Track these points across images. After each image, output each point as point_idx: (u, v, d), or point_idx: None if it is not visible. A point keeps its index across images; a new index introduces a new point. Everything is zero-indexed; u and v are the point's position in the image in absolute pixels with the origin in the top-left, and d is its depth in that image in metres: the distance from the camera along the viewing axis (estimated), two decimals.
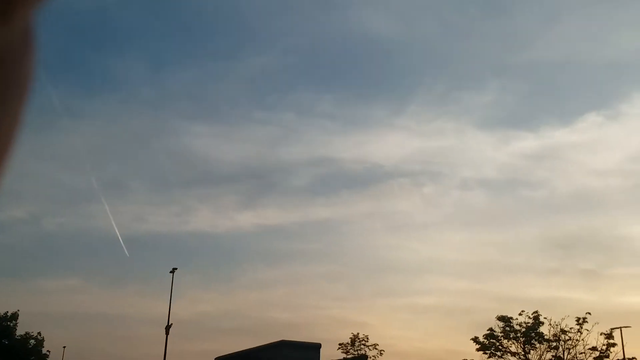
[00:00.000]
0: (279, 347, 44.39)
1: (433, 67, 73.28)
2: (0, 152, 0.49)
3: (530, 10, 68.81)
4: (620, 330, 37.20)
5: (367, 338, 40.17)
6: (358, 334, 40.30)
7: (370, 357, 40.98)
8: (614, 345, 32.24)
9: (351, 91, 76.45)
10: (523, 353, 32.53)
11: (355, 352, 40.31)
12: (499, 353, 32.72)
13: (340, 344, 40.17)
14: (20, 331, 46.71)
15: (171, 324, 41.38)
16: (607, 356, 31.81)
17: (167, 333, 41.17)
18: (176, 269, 43.57)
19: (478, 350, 32.85)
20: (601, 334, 32.07)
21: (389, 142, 71.82)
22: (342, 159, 71.31)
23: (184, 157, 73.16)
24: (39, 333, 47.39)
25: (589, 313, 32.30)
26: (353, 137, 73.50)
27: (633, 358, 33.57)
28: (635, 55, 66.59)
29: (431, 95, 71.32)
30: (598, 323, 32.66)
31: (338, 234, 73.35)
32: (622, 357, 32.94)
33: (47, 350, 47.65)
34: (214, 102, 75.39)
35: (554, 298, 56.63)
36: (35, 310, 73.14)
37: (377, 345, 40.08)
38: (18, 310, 46.72)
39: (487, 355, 32.73)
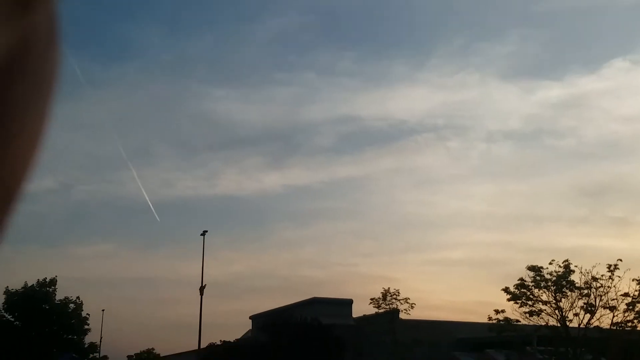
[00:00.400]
0: (311, 304, 45.15)
1: (453, 19, 72.09)
2: (31, 142, 0.49)
3: None
4: None
5: (399, 292, 40.58)
6: (389, 288, 40.72)
7: (402, 311, 41.45)
8: None
9: (371, 48, 75.64)
10: (554, 301, 32.62)
11: (387, 307, 40.76)
12: (530, 302, 32.85)
13: (371, 299, 40.64)
14: (59, 296, 48.12)
15: (205, 284, 42.26)
16: None
17: (201, 294, 42.09)
18: (207, 231, 44.26)
19: (509, 300, 33.04)
20: (633, 280, 31.98)
21: (412, 98, 71.42)
22: (365, 117, 71.19)
23: (207, 122, 73.72)
24: (78, 297, 48.76)
25: (620, 260, 32.16)
26: (375, 94, 73.13)
27: None
28: None
29: (452, 47, 70.33)
30: (630, 269, 32.56)
31: (364, 192, 73.75)
32: None
33: (87, 314, 49.07)
34: (234, 66, 75.47)
35: (584, 247, 56.61)
36: (72, 276, 75.36)
37: (409, 299, 40.49)
38: (56, 276, 48.06)
39: (518, 305, 32.91)
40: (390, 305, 40.79)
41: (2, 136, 0.43)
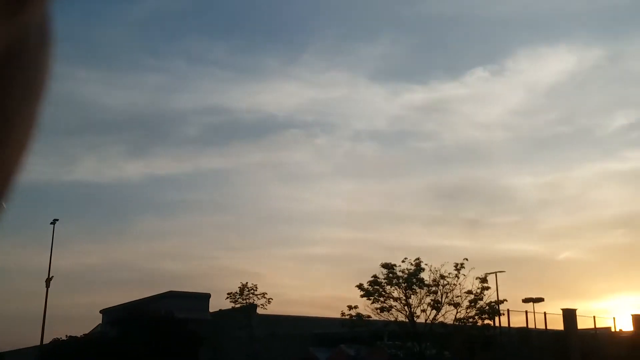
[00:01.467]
0: (166, 298, 43.92)
1: (327, 16, 72.95)
2: (17, 149, 0.47)
3: None
4: (496, 275, 39.61)
5: (256, 287, 40.47)
6: (247, 283, 40.53)
7: (259, 306, 41.38)
8: (487, 288, 34.21)
9: (244, 39, 74.83)
10: (404, 298, 33.86)
11: (244, 301, 40.54)
12: (382, 299, 33.87)
13: (228, 294, 40.24)
14: None
15: (52, 276, 39.82)
16: (481, 298, 33.74)
17: (47, 286, 39.61)
18: (57, 220, 41.75)
19: (362, 296, 33.87)
20: (476, 279, 33.92)
21: (283, 92, 71.45)
22: (235, 109, 70.42)
23: (67, 104, 69.48)
24: None
25: (466, 259, 34.01)
26: (246, 86, 72.47)
27: (504, 300, 35.92)
28: (520, 12, 69.27)
29: (324, 44, 71.23)
30: (474, 268, 34.51)
31: (230, 185, 72.92)
32: (494, 299, 35.10)
33: None
34: (101, 47, 71.76)
35: (438, 246, 59.41)
36: None
37: (266, 294, 40.49)
38: None
39: (370, 301, 33.82)
40: (248, 300, 40.62)
41: None
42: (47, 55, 0.51)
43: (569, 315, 43.00)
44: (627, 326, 47.01)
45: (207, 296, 46.45)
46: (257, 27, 74.50)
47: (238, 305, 40.60)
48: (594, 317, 46.04)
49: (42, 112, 0.49)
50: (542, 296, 43.90)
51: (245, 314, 40.52)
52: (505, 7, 69.26)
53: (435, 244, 62.21)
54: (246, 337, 40.66)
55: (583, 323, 44.89)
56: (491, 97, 71.38)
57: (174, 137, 73.37)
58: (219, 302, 54.81)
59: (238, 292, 40.15)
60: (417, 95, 69.54)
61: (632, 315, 46.66)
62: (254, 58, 72.02)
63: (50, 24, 0.51)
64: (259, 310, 41.87)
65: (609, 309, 65.15)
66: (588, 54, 67.74)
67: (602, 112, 72.13)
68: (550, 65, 69.72)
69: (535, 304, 43.44)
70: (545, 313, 43.51)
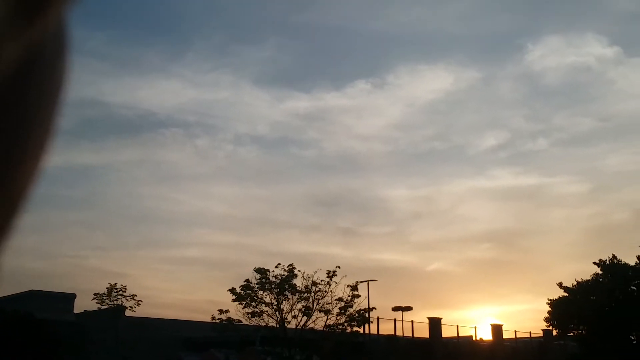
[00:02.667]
0: (27, 298, 41.42)
1: (214, 16, 71.88)
2: (34, 155, 0.47)
3: None
4: (367, 283, 40.55)
5: (125, 288, 39.06)
6: (115, 284, 39.02)
7: (128, 308, 39.98)
8: (358, 296, 34.94)
9: (126, 31, 72.08)
10: (276, 303, 33.92)
11: (112, 303, 39.02)
12: (253, 303, 33.73)
13: (95, 294, 38.60)
14: None
15: None
16: (351, 306, 34.41)
17: None
18: None
19: (234, 301, 33.58)
20: (348, 286, 34.56)
21: (164, 90, 69.49)
22: (112, 103, 67.83)
23: None
24: None
25: (339, 267, 34.61)
26: (124, 80, 69.87)
27: (373, 308, 36.89)
28: (403, 28, 71.63)
29: (210, 44, 70.14)
30: (346, 276, 35.19)
31: (102, 181, 69.80)
32: (365, 307, 35.93)
33: None
34: None
35: (314, 253, 60.08)
36: None
37: (135, 296, 39.20)
38: None
39: (242, 306, 33.60)
40: (116, 302, 39.15)
41: (8, 147, 0.42)
42: (64, 62, 0.51)
43: (435, 324, 44.84)
44: (486, 335, 49.72)
45: (72, 296, 44.21)
46: (141, 19, 72.13)
47: (105, 307, 39.01)
48: (457, 326, 48.32)
49: (58, 118, 0.49)
50: (411, 305, 45.57)
51: (112, 316, 39.01)
52: (390, 23, 71.48)
53: (311, 251, 62.91)
54: (112, 340, 39.14)
55: (447, 331, 47.02)
56: (372, 110, 73.12)
57: None
58: (85, 303, 52.50)
59: (105, 293, 38.60)
60: (300, 102, 70.06)
61: (491, 325, 49.42)
62: (135, 52, 69.60)
63: (67, 31, 0.52)
64: (128, 313, 40.46)
65: (471, 319, 68.43)
66: (464, 75, 71.21)
67: (474, 131, 76.04)
68: (429, 83, 72.73)
69: (404, 312, 44.99)
70: (412, 321, 45.17)
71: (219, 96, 71.88)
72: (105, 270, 68.35)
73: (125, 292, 38.85)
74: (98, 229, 70.01)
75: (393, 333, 44.18)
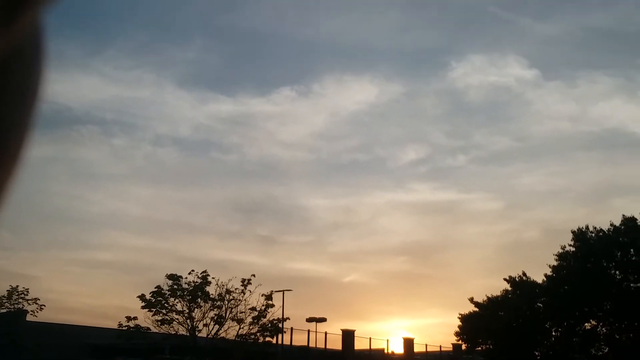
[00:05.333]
0: None
1: (139, 12, 70.01)
2: (9, 158, 0.47)
3: None
4: (283, 293, 40.18)
5: (27, 291, 37.14)
6: (17, 286, 37.02)
7: (30, 312, 38.01)
8: (272, 306, 34.49)
9: (45, 22, 69.35)
10: (188, 311, 33.00)
11: (12, 307, 36.96)
12: (164, 311, 32.70)
13: None
14: None
15: None
16: (265, 316, 33.90)
17: None
18: None
19: (143, 307, 32.44)
20: (262, 295, 34.06)
21: (82, 85, 66.92)
22: None
23: None
24: None
25: (254, 275, 34.07)
26: None
27: (287, 318, 36.49)
28: (331, 37, 72.09)
29: (133, 41, 68.20)
30: (261, 285, 34.65)
31: None
32: (279, 317, 35.48)
33: None
34: None
35: (231, 260, 59.13)
36: None
37: (39, 299, 37.33)
38: None
39: (151, 313, 32.49)
40: (16, 305, 37.11)
41: None
42: (41, 65, 0.51)
43: (348, 336, 44.88)
44: (398, 348, 50.23)
45: None
46: (61, 9, 69.45)
47: (4, 311, 36.91)
48: (370, 338, 48.57)
49: (35, 120, 0.48)
50: (326, 316, 45.49)
51: (12, 321, 36.91)
52: (317, 32, 71.84)
53: (228, 258, 61.87)
54: (11, 345, 37.01)
55: (360, 344, 47.14)
56: (296, 118, 73.10)
57: None
58: None
59: (5, 295, 36.53)
60: (224, 106, 69.15)
61: (403, 338, 50.00)
62: (53, 43, 66.79)
63: (43, 34, 0.51)
64: (29, 317, 38.43)
65: (385, 331, 69.16)
66: (389, 88, 72.32)
67: (396, 145, 77.23)
68: (354, 94, 73.44)
69: (318, 323, 44.82)
70: (326, 333, 45.08)
71: (139, 95, 69.95)
72: (8, 272, 64.60)
73: (27, 295, 36.95)
74: (3, 227, 66.40)
75: (306, 344, 43.93)
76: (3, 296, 36.66)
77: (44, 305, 37.56)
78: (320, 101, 70.90)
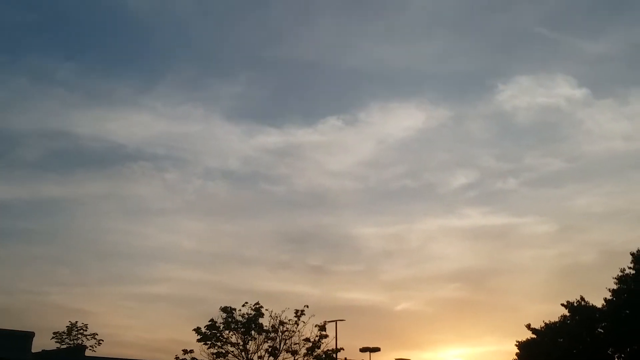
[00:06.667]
0: None
1: (186, 49, 71.87)
2: None
3: (286, 5, 71.17)
4: (336, 323, 39.94)
5: (86, 327, 37.84)
6: (76, 322, 37.78)
7: (89, 347, 38.67)
8: (326, 336, 34.34)
9: (97, 62, 71.58)
10: (242, 344, 33.15)
11: (72, 342, 37.70)
12: (219, 343, 32.92)
13: (54, 333, 37.24)
14: None
15: None
16: (319, 347, 33.76)
17: None
18: None
19: (199, 341, 32.72)
20: (316, 326, 33.97)
21: (133, 122, 69.00)
22: (80, 135, 67.20)
23: None
24: None
25: (307, 306, 34.06)
26: (94, 112, 69.31)
27: (341, 348, 36.17)
28: (375, 65, 72.51)
29: (181, 78, 70.10)
30: (314, 315, 34.55)
31: (68, 215, 68.43)
32: (333, 347, 35.25)
33: None
34: None
35: (282, 291, 59.33)
36: None
37: (97, 334, 37.98)
38: None
39: (207, 346, 32.73)
40: (76, 341, 37.82)
41: None
42: None
43: None
44: None
45: (29, 335, 42.46)
46: (112, 50, 72.05)
47: (64, 346, 37.64)
48: None
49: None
50: (379, 346, 44.94)
51: (72, 356, 37.62)
52: (361, 60, 72.49)
53: (279, 289, 62.12)
54: None
55: None
56: (343, 147, 73.65)
57: (8, 159, 68.24)
58: (43, 342, 50.60)
59: (65, 331, 37.28)
60: (271, 138, 70.22)
61: None
62: (105, 83, 69.26)
63: None
64: (88, 352, 39.06)
65: None
66: (435, 113, 72.30)
67: (445, 170, 76.87)
68: (400, 120, 73.65)
69: (371, 353, 44.35)
70: None
71: (189, 129, 71.61)
72: (67, 307, 66.24)
73: (86, 330, 37.64)
74: (61, 263, 68.32)
75: None
76: (63, 332, 37.39)
77: (102, 340, 38.18)
78: (367, 129, 71.30)
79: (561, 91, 71.88)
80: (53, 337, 37.56)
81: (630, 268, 39.94)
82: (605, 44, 71.07)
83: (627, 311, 38.49)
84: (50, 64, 67.58)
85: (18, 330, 42.75)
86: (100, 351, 38.91)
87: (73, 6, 68.61)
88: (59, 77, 66.74)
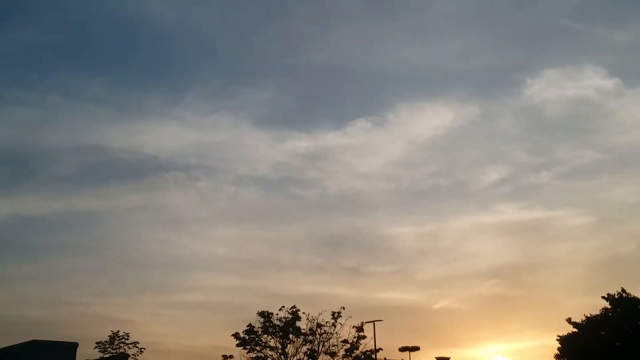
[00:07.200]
0: (29, 348, 40.80)
1: (212, 60, 72.58)
2: None
3: (307, 13, 71.47)
4: (373, 323, 39.93)
5: (128, 336, 38.44)
6: (118, 331, 38.41)
7: (131, 356, 39.30)
8: (364, 337, 34.36)
9: (125, 77, 72.79)
10: (281, 347, 33.36)
11: (114, 351, 38.35)
12: (258, 348, 33.19)
13: (97, 343, 37.92)
14: None
15: None
16: (357, 348, 33.80)
17: None
18: None
19: (238, 345, 33.05)
20: (353, 327, 34.02)
21: (164, 133, 69.91)
22: (112, 148, 68.30)
23: None
24: None
25: (343, 308, 34.13)
26: (125, 126, 70.45)
27: (380, 349, 36.11)
28: (401, 66, 72.27)
29: (209, 87, 70.83)
30: (351, 317, 34.61)
31: (104, 227, 69.63)
32: (372, 348, 35.23)
33: None
34: None
35: (318, 294, 59.47)
36: None
37: (138, 343, 38.55)
38: None
39: (246, 351, 33.04)
40: (118, 350, 38.47)
41: None
42: None
43: None
44: None
45: (74, 345, 43.50)
46: (139, 65, 73.15)
47: (107, 356, 38.31)
48: None
49: None
50: (418, 345, 44.67)
51: None
52: (387, 62, 72.32)
53: (315, 292, 62.30)
54: None
55: None
56: (373, 148, 73.53)
57: (44, 175, 69.76)
58: (87, 352, 51.58)
59: (108, 341, 37.95)
60: (300, 142, 70.47)
61: None
62: (135, 97, 70.39)
63: None
64: None
65: (480, 357, 67.21)
66: (464, 111, 71.73)
67: (476, 167, 76.19)
68: (429, 119, 73.25)
69: (411, 352, 44.13)
70: None
71: (219, 138, 72.27)
72: (107, 317, 67.42)
73: (128, 339, 38.23)
74: (100, 275, 69.54)
75: None
76: (105, 341, 38.03)
77: (144, 349, 38.71)
78: (396, 130, 71.13)
79: (591, 82, 70.89)
80: (96, 347, 38.26)
81: None
82: (633, 32, 69.87)
83: None
84: (80, 81, 68.96)
85: (62, 342, 43.85)
86: (142, 359, 39.55)
87: (98, 24, 70.10)
88: (89, 93, 68.21)
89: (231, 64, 73.23)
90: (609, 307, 41.49)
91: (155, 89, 72.37)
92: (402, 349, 44.04)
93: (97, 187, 71.91)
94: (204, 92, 70.39)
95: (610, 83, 70.97)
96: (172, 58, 72.70)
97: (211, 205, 70.02)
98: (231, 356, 33.09)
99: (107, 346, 38.15)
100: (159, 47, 71.14)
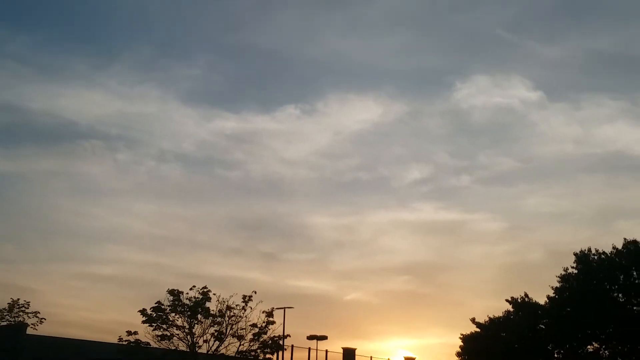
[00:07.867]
0: None
1: (146, 29, 70.51)
2: None
3: None
4: (284, 310, 40.09)
5: (29, 304, 37.00)
6: (18, 299, 36.90)
7: (30, 326, 37.86)
8: (273, 323, 34.32)
9: (52, 37, 69.70)
10: (188, 327, 32.86)
11: (13, 319, 36.85)
12: (164, 326, 32.56)
13: None
14: None
15: None
16: (265, 332, 33.75)
17: None
18: None
19: (144, 322, 32.30)
20: (263, 312, 33.92)
21: (86, 99, 67.51)
22: (31, 109, 65.47)
23: None
24: None
25: (255, 292, 33.94)
26: (46, 87, 67.59)
27: (287, 335, 36.33)
28: (335, 57, 72.47)
29: (139, 57, 68.84)
30: (262, 302, 34.49)
31: (15, 190, 66.80)
32: (280, 334, 35.28)
33: None
34: None
35: (233, 277, 59.15)
36: None
37: (39, 313, 37.16)
38: None
39: (152, 328, 32.34)
40: (17, 319, 36.97)
41: None
42: None
43: (349, 354, 44.66)
44: None
45: None
46: (68, 26, 70.27)
47: (4, 323, 36.78)
48: (371, 357, 48.25)
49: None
50: (326, 334, 45.16)
51: (12, 333, 36.76)
52: (322, 51, 72.38)
53: (230, 274, 61.94)
54: (11, 358, 36.87)
55: None
56: (299, 135, 73.61)
57: None
58: None
59: (7, 308, 36.42)
60: (228, 123, 69.69)
61: (404, 357, 49.68)
62: (60, 58, 67.66)
63: None
64: (29, 331, 38.26)
65: (386, 351, 68.62)
66: (393, 107, 72.74)
67: (399, 164, 77.52)
68: (358, 113, 73.88)
69: (319, 341, 44.56)
70: (327, 351, 44.80)
71: (144, 110, 70.44)
72: (9, 284, 64.74)
73: (27, 308, 36.81)
74: (6, 239, 66.61)
75: None
76: (4, 309, 36.52)
77: (44, 319, 37.36)
78: (324, 119, 71.33)
79: (517, 92, 73.46)
80: None
81: (573, 268, 41.02)
82: (562, 49, 72.70)
83: (568, 309, 39.55)
84: (1, 35, 65.44)
85: None
86: (42, 329, 38.18)
87: None
88: (10, 49, 64.89)
89: (165, 36, 71.48)
90: (512, 310, 43.17)
91: (82, 53, 69.77)
92: (310, 337, 44.42)
93: (10, 148, 68.87)
94: (133, 62, 68.46)
95: (534, 95, 73.87)
96: (104, 23, 70.18)
97: (130, 178, 68.37)
98: (136, 332, 32.28)
99: (4, 314, 36.64)
100: (91, 10, 68.56)
